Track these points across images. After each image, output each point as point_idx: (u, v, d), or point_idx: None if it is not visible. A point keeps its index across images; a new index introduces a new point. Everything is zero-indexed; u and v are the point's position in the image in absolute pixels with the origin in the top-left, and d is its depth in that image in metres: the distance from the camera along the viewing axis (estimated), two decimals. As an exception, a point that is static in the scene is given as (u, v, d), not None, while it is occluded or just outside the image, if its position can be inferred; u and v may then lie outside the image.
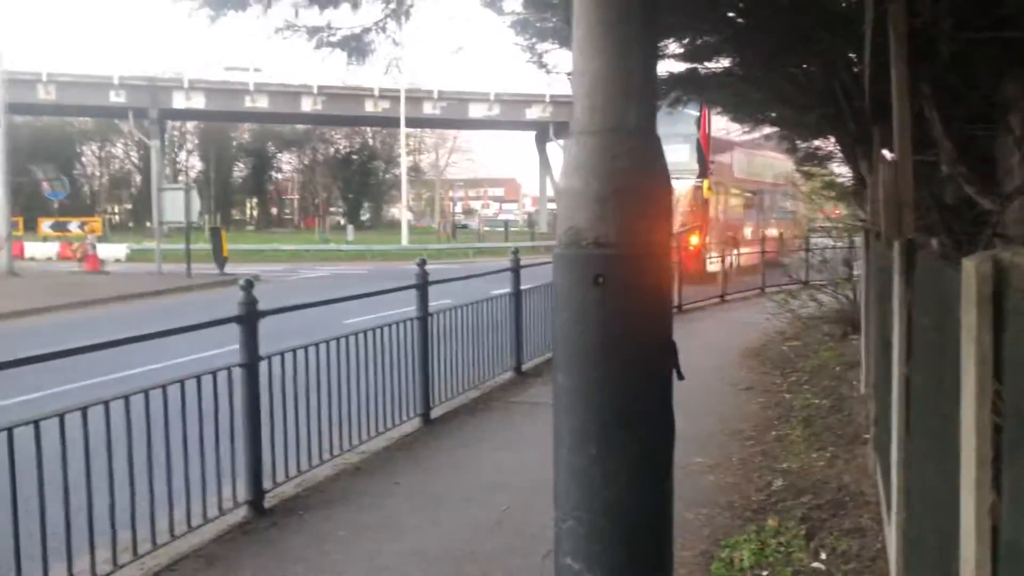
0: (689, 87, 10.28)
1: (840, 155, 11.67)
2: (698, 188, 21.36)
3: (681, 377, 1.96)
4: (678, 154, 20.18)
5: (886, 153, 5.65)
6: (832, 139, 11.66)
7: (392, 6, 5.43)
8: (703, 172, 21.16)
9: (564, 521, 1.97)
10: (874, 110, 6.37)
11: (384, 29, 5.59)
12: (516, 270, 9.18)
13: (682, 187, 20.61)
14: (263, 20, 5.05)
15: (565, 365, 1.92)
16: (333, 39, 5.56)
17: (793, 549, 4.32)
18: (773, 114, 12.15)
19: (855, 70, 7.29)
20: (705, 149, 21.05)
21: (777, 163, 26.41)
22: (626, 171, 1.85)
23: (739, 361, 10.21)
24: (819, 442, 6.30)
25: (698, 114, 20.27)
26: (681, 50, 9.06)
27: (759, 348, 10.95)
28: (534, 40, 9.25)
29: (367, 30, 5.59)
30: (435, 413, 7.30)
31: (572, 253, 1.88)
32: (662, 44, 8.69)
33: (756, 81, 9.89)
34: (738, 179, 24.97)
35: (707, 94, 11.14)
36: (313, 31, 5.44)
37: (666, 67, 9.58)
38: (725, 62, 9.77)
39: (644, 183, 1.88)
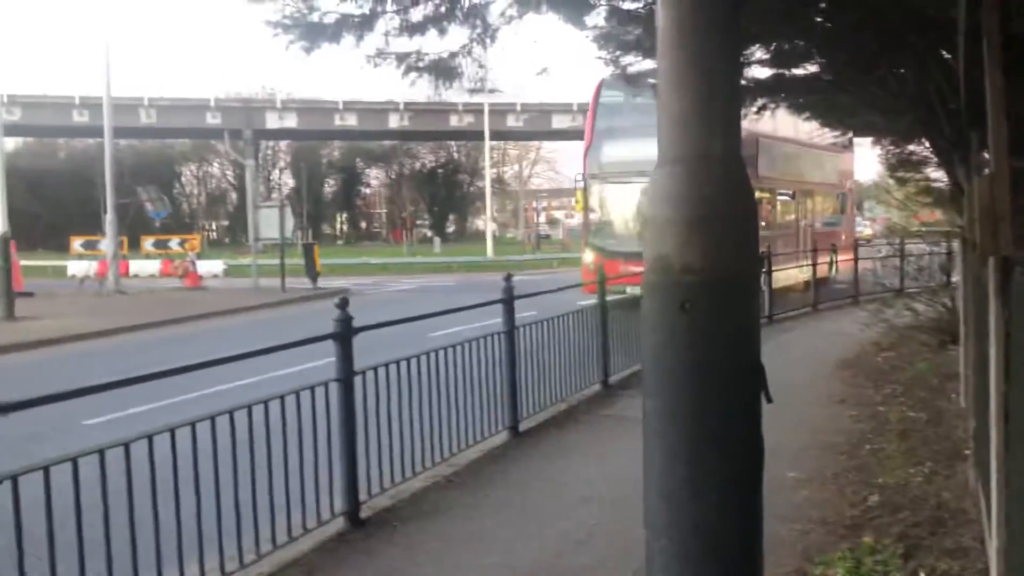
0: (776, 93, 10.16)
1: (935, 160, 11.33)
2: None
3: (770, 400, 1.99)
4: None
5: (987, 155, 5.49)
6: (926, 143, 11.33)
7: (478, 31, 5.58)
8: None
9: (655, 540, 2.02)
10: (970, 115, 6.20)
11: (470, 53, 5.75)
12: (602, 282, 9.23)
13: None
14: (355, 50, 5.27)
15: (655, 388, 1.97)
16: (421, 64, 5.74)
17: (890, 569, 4.23)
18: (864, 119, 11.88)
19: (950, 67, 7.09)
20: None
21: (825, 158, 22.71)
22: (712, 199, 1.90)
23: (832, 373, 9.99)
24: (916, 457, 6.13)
25: None
26: (767, 56, 8.97)
27: (852, 359, 10.69)
28: (617, 53, 9.28)
29: (454, 54, 5.76)
30: (523, 426, 7.38)
31: (660, 279, 1.94)
32: (747, 52, 8.63)
33: (845, 85, 9.71)
34: (765, 177, 19.31)
35: (794, 99, 10.98)
36: (402, 57, 5.63)
37: (751, 73, 9.51)
38: (812, 67, 9.62)
39: (730, 210, 1.92)
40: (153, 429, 4.06)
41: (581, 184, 18.73)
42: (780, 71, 9.60)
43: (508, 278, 7.33)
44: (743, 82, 9.14)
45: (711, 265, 1.89)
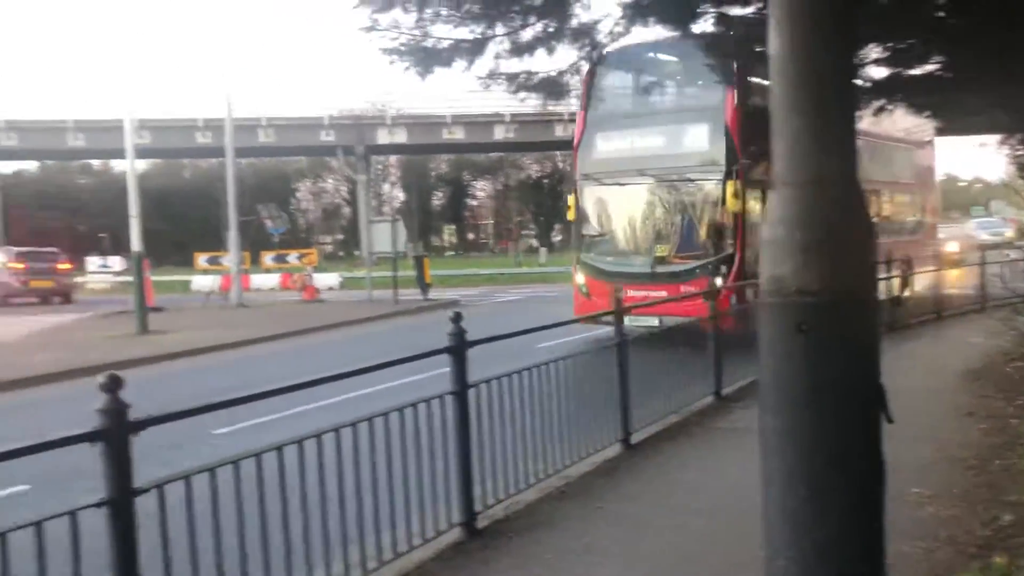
0: (893, 93, 9.85)
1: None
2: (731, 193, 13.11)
3: (890, 420, 1.97)
4: (693, 140, 13.75)
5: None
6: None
7: (587, 49, 5.66)
8: (731, 169, 13.07)
9: (775, 559, 2.03)
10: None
11: (578, 71, 5.83)
12: (714, 294, 9.13)
13: (695, 193, 13.77)
14: (467, 72, 5.44)
15: (773, 408, 1.98)
16: (531, 83, 5.87)
17: (1025, 590, 4.05)
18: (989, 118, 11.38)
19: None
20: (734, 133, 13.07)
21: (894, 153, 18.24)
22: (828, 221, 1.90)
23: (958, 384, 9.57)
24: (1053, 474, 5.83)
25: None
26: (885, 54, 8.72)
27: (980, 369, 10.21)
28: (726, 59, 9.19)
29: (562, 73, 5.86)
30: (635, 438, 7.36)
31: (776, 301, 1.95)
32: (862, 52, 8.42)
33: (967, 84, 9.34)
34: None
35: (913, 100, 10.62)
36: (512, 77, 5.78)
37: (867, 73, 9.25)
38: (930, 67, 9.30)
39: (846, 232, 1.92)
40: (282, 440, 4.26)
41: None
42: (897, 70, 9.32)
43: (617, 291, 7.37)
44: (858, 82, 8.92)
45: (828, 287, 1.89)
